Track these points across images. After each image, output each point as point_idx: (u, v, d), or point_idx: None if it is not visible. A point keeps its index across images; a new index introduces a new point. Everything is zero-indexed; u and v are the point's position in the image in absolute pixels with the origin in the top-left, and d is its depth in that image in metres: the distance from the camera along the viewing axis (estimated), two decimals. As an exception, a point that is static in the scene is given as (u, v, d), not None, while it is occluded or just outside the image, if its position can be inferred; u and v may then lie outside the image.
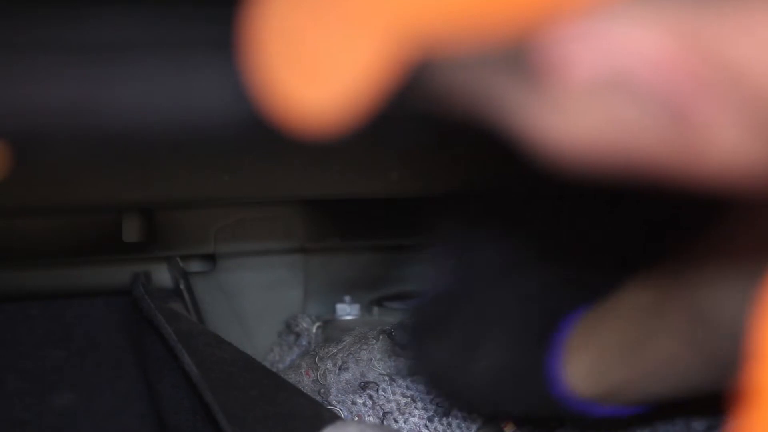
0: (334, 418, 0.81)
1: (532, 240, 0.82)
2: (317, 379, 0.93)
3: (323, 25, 0.36)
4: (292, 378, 0.94)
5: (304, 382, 0.94)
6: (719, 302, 0.68)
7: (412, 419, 0.90)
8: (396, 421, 0.90)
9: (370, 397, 0.91)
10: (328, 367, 0.93)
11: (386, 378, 0.91)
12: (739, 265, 0.67)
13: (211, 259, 1.06)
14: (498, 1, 0.34)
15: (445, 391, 0.86)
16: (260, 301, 1.08)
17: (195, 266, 1.06)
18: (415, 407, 0.90)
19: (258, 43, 0.37)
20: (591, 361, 0.76)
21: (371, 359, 0.92)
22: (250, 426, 0.79)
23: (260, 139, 0.53)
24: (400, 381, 0.90)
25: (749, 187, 0.36)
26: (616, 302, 0.75)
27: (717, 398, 0.87)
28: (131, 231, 0.96)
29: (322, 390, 0.93)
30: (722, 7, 0.33)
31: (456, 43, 0.35)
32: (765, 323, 0.35)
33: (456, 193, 0.89)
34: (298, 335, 1.03)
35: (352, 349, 0.93)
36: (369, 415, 0.90)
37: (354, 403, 0.91)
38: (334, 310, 1.05)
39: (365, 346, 0.93)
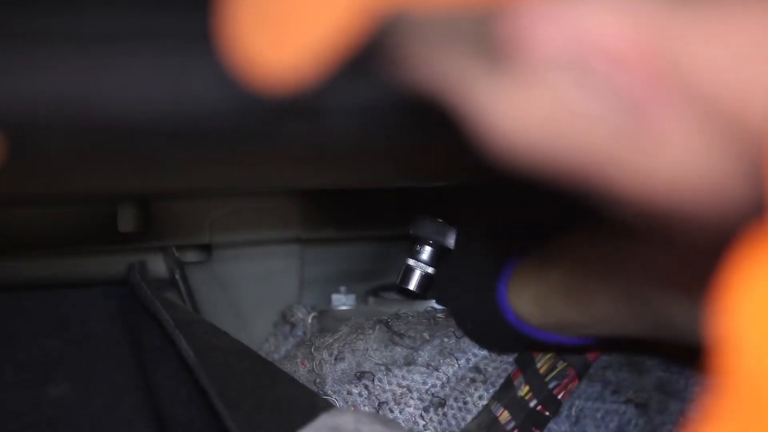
0: (329, 406, 0.81)
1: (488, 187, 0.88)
2: (313, 369, 0.94)
3: None
4: (287, 368, 0.94)
5: (300, 372, 0.94)
6: (659, 289, 0.71)
7: (407, 410, 0.90)
8: (391, 412, 0.90)
9: (366, 387, 0.91)
10: (323, 357, 0.93)
11: (382, 368, 0.91)
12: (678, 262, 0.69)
13: (206, 249, 1.06)
14: None
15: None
16: (256, 292, 1.08)
17: (191, 256, 1.06)
18: (411, 398, 0.90)
19: (227, 3, 0.37)
20: (534, 295, 0.84)
21: (367, 349, 0.92)
22: (246, 413, 0.79)
23: (256, 130, 0.53)
24: (395, 371, 0.90)
25: (699, 205, 0.35)
26: (558, 249, 0.83)
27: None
28: (127, 221, 0.96)
29: (317, 380, 0.93)
30: (696, 8, 0.32)
31: (420, 4, 0.34)
32: (722, 317, 0.34)
33: (456, 184, 0.89)
34: (293, 325, 1.03)
35: (348, 339, 0.93)
36: (364, 405, 0.91)
37: (349, 393, 0.91)
38: (329, 301, 1.05)
39: (361, 336, 0.93)
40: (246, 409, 0.79)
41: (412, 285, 0.97)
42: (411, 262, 0.98)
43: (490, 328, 0.88)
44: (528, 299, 0.84)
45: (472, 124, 0.37)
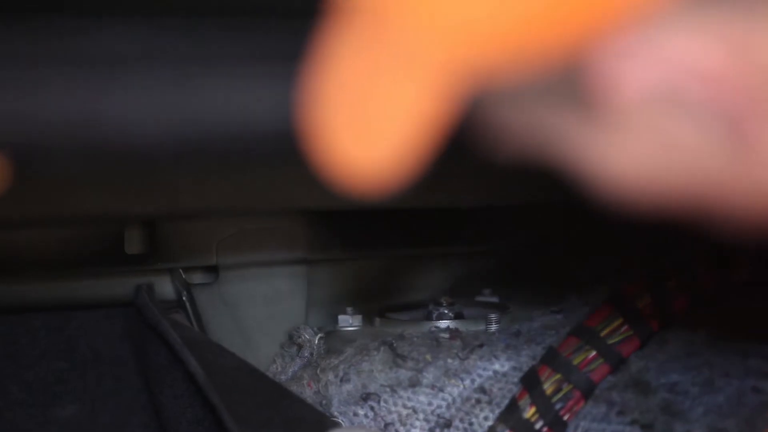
0: (336, 425, 0.81)
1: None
2: (319, 390, 0.94)
3: (374, 75, 0.34)
4: (294, 389, 0.95)
5: (306, 394, 0.94)
6: None
7: (413, 431, 0.90)
8: (397, 433, 0.90)
9: (372, 408, 0.91)
10: (329, 378, 0.93)
11: (387, 389, 0.91)
12: None
13: (213, 270, 1.06)
14: (544, 22, 0.32)
15: None
16: (262, 313, 1.08)
17: (197, 278, 1.06)
18: (416, 419, 0.90)
19: (317, 102, 0.36)
20: None
21: (372, 371, 0.92)
22: (254, 428, 0.79)
23: (261, 151, 0.53)
24: (401, 392, 0.91)
25: None
26: None
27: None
28: (134, 243, 0.96)
29: (323, 401, 0.93)
30: None
31: (506, 72, 0.33)
32: None
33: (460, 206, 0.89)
34: (300, 346, 1.03)
35: (354, 360, 0.94)
36: (370, 427, 0.91)
37: (356, 414, 0.91)
38: (336, 321, 1.05)
39: (366, 358, 0.93)
40: (254, 425, 0.79)
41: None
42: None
43: None
44: None
45: (582, 178, 0.35)
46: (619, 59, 0.32)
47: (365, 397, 0.91)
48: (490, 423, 0.89)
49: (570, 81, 0.33)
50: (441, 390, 0.90)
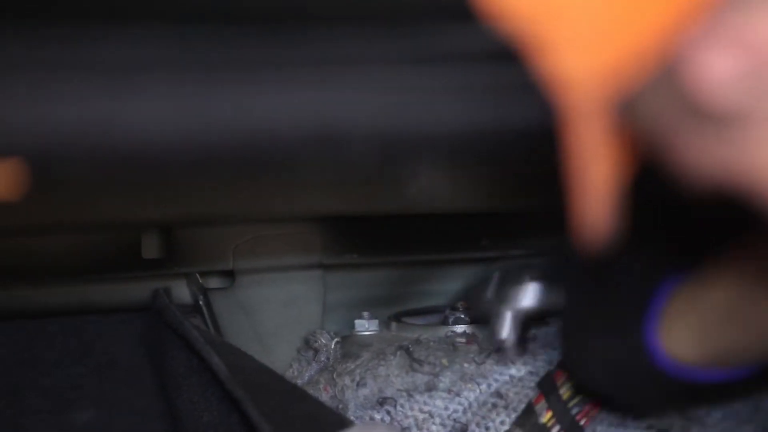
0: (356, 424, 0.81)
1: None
2: (335, 395, 0.94)
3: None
4: (310, 393, 0.95)
5: (323, 398, 0.94)
6: None
7: (429, 435, 0.90)
8: (414, 437, 0.90)
9: (388, 412, 0.91)
10: (346, 383, 0.93)
11: (404, 394, 0.91)
12: None
13: (229, 275, 1.06)
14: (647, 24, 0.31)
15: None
16: (279, 317, 1.08)
17: (214, 282, 1.06)
18: (433, 423, 0.90)
19: None
20: (691, 327, 0.74)
21: (388, 375, 0.92)
22: (277, 425, 0.79)
23: (277, 156, 0.53)
24: (417, 397, 0.91)
25: None
26: (717, 270, 0.73)
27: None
28: (151, 248, 0.96)
29: (340, 406, 0.93)
30: None
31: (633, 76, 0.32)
32: None
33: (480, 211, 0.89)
34: (316, 351, 1.03)
35: (370, 365, 0.94)
36: (387, 431, 0.91)
37: (372, 418, 0.91)
38: (352, 326, 1.05)
39: (383, 362, 0.93)
40: (277, 423, 0.79)
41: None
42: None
43: (633, 379, 0.79)
44: (683, 332, 0.75)
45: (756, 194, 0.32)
46: (697, 51, 0.30)
47: (382, 402, 0.91)
48: (506, 427, 0.89)
49: (668, 75, 0.31)
50: (457, 394, 0.90)
